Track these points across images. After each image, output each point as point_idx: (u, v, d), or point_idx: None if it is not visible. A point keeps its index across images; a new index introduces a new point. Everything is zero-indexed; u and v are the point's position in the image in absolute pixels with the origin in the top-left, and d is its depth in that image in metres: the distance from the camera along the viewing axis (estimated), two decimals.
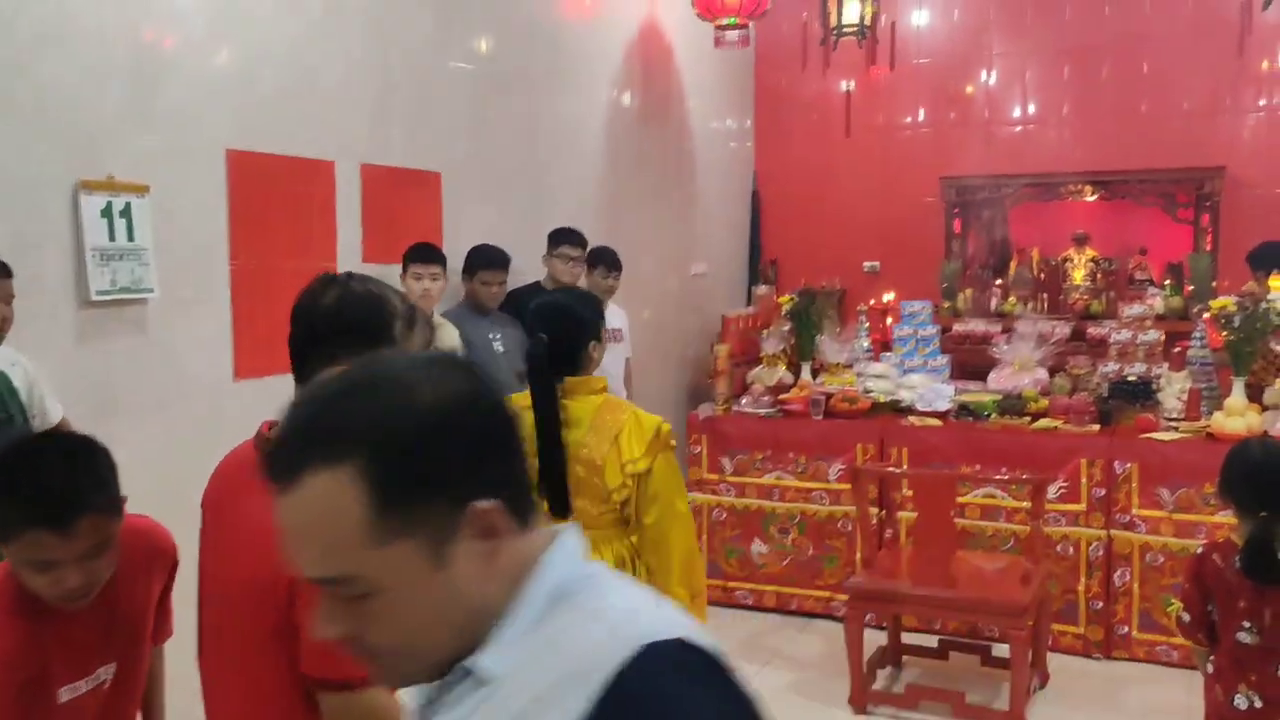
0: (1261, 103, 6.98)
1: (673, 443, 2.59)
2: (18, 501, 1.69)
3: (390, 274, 4.44)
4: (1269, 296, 4.51)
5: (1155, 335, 5.04)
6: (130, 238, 3.37)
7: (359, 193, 4.41)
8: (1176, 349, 4.95)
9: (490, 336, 4.80)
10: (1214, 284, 6.41)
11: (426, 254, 4.44)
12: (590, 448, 2.53)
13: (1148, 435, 4.35)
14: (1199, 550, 2.85)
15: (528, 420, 2.35)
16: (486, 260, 4.82)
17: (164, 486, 3.65)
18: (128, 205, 3.37)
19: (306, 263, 4.17)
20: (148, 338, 3.52)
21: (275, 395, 4.00)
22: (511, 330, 4.94)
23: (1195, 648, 2.81)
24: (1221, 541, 2.80)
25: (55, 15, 3.26)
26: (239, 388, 3.90)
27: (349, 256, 4.36)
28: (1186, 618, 2.78)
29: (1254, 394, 4.39)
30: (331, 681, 1.48)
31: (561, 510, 2.37)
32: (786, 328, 5.32)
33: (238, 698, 1.61)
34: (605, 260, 5.52)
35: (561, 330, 2.57)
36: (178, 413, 3.68)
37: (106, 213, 3.30)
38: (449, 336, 4.53)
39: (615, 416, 2.58)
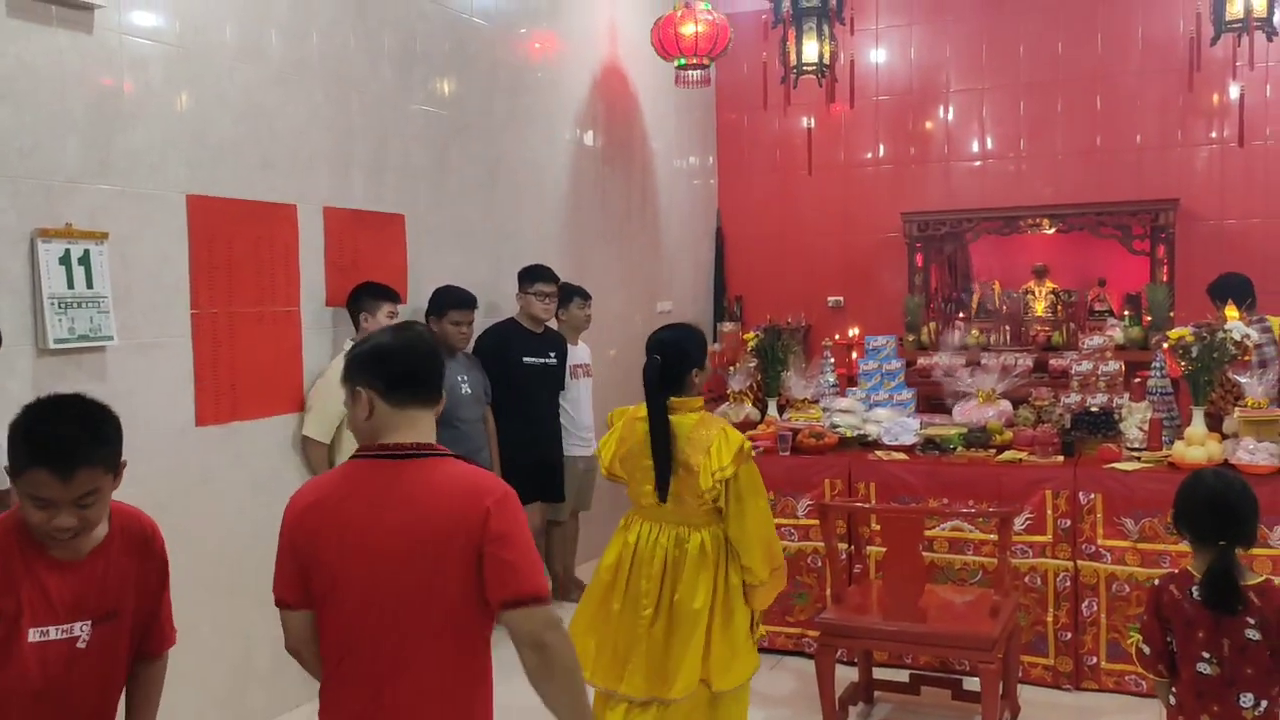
0: (1212, 135, 7.15)
1: (753, 455, 3.15)
2: (30, 444, 1.94)
3: (344, 316, 4.43)
4: (1225, 326, 4.59)
5: (1116, 366, 5.11)
6: (89, 285, 3.34)
7: (322, 236, 4.40)
8: (1137, 379, 5.02)
9: (458, 379, 4.80)
10: (1171, 314, 6.52)
11: (380, 292, 4.40)
12: (688, 455, 3.08)
13: (1111, 465, 4.39)
14: (1156, 582, 2.85)
15: (641, 430, 3.17)
16: (456, 301, 4.84)
17: None
18: (86, 253, 3.35)
19: (270, 307, 4.16)
20: (107, 385, 3.48)
21: (238, 441, 4.00)
22: (477, 374, 4.95)
23: (1156, 680, 2.80)
24: (1178, 572, 2.79)
25: (12, 64, 3.25)
26: (201, 434, 3.85)
27: (312, 300, 4.34)
28: (1147, 650, 2.78)
29: (1213, 423, 4.45)
30: (512, 600, 1.93)
31: (664, 499, 3.10)
32: (752, 364, 5.34)
33: (443, 636, 1.96)
34: (580, 292, 5.59)
35: (672, 358, 3.17)
36: (138, 461, 3.60)
37: (65, 260, 3.28)
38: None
39: (708, 431, 3.10)
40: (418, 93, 4.99)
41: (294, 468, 4.24)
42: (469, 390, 4.84)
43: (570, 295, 5.54)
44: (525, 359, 5.20)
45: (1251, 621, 2.62)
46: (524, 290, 5.27)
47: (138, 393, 3.60)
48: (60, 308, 3.25)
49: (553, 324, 5.48)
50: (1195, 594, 2.67)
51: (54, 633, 2.02)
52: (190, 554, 3.80)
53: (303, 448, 4.27)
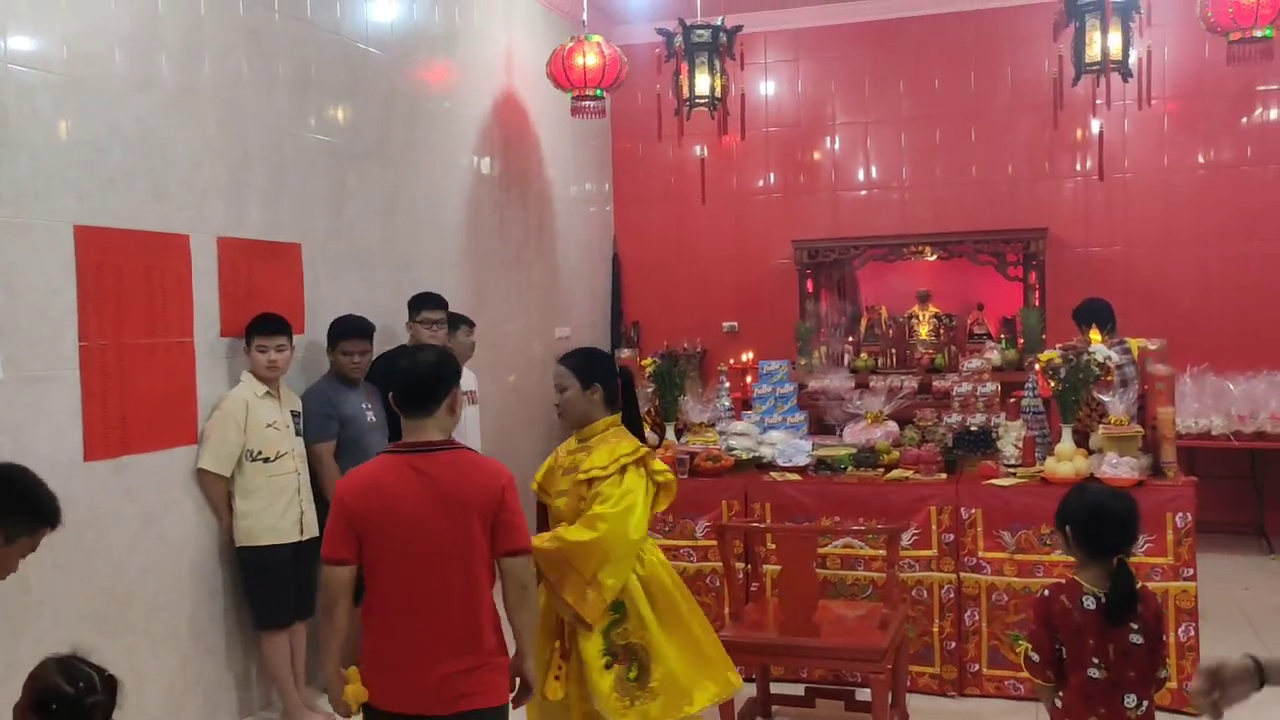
0: (1076, 168, 7.60)
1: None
2: (46, 509, 2.48)
3: (240, 347, 4.38)
4: (1090, 349, 4.88)
5: (993, 387, 5.37)
6: None
7: (216, 265, 4.35)
8: (1012, 399, 5.30)
9: (364, 407, 4.77)
10: (1043, 336, 6.89)
11: (270, 325, 4.36)
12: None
13: (989, 481, 4.63)
14: (1045, 593, 2.94)
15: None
16: (347, 330, 4.78)
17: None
18: None
19: (162, 338, 4.09)
20: None
21: (130, 476, 3.91)
22: (378, 402, 4.91)
23: (1042, 684, 2.92)
24: (1066, 583, 2.91)
25: None
26: (89, 469, 3.76)
27: (206, 330, 4.29)
28: (1036, 657, 2.89)
29: (1081, 439, 4.73)
30: (512, 551, 2.76)
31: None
32: (650, 389, 5.45)
33: (473, 573, 2.71)
34: (465, 320, 5.60)
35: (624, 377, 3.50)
36: None
37: None
38: (292, 400, 4.51)
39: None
40: (314, 121, 4.98)
41: (190, 500, 4.17)
42: (374, 418, 4.80)
43: (456, 323, 5.52)
44: None
45: (1135, 627, 2.78)
46: (412, 318, 5.26)
47: (25, 427, 3.50)
48: None
49: None
50: (1086, 604, 2.80)
51: None
52: (79, 591, 3.70)
53: (199, 480, 4.20)
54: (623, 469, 3.21)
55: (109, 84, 3.87)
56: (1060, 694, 2.87)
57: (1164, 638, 2.90)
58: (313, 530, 4.33)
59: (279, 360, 4.34)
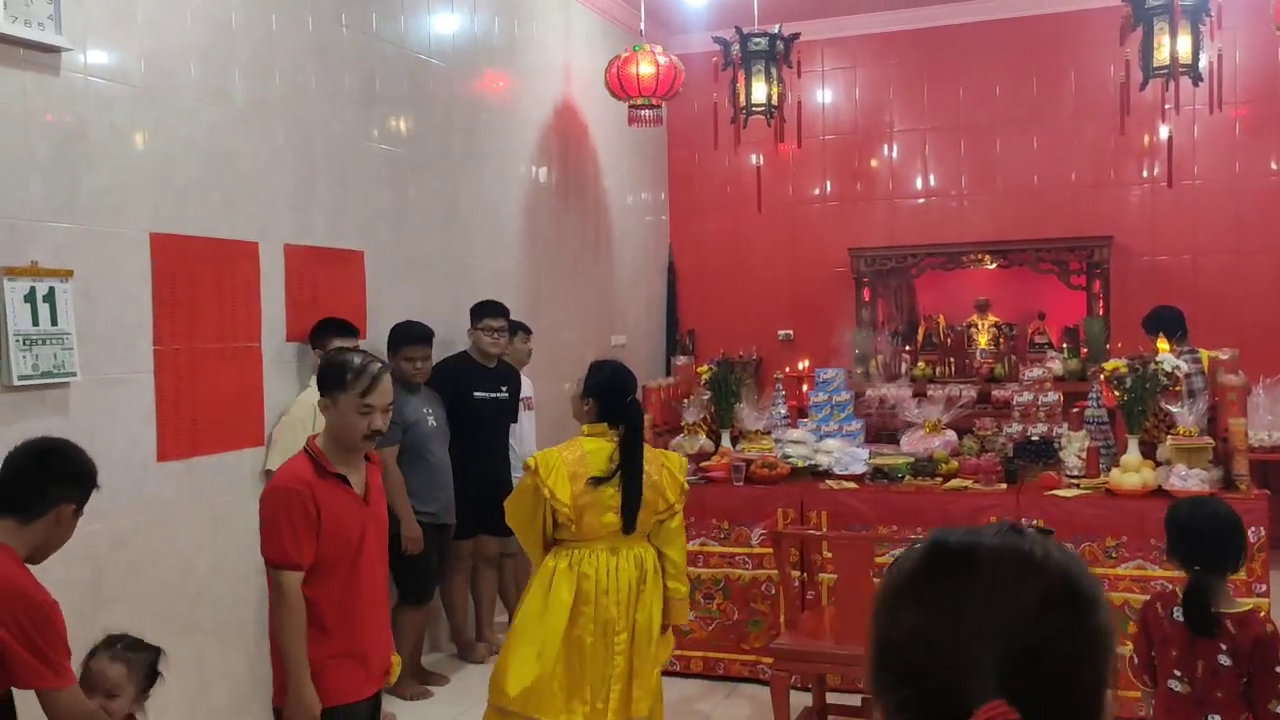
0: (1144, 175, 7.47)
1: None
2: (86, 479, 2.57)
3: (305, 352, 4.48)
4: (1157, 358, 4.80)
5: (1055, 397, 5.30)
6: (54, 322, 3.37)
7: (283, 272, 4.46)
8: (1075, 409, 5.22)
9: (425, 412, 4.87)
10: (1107, 346, 6.77)
11: (344, 328, 4.45)
12: (649, 474, 3.39)
13: (1051, 492, 4.56)
14: (1148, 599, 3.02)
15: (596, 463, 3.32)
16: (409, 336, 4.87)
17: (85, 567, 3.61)
18: (51, 290, 3.38)
19: (231, 343, 4.20)
20: (70, 421, 3.50)
21: (199, 477, 4.02)
22: (438, 408, 5.00)
23: (1142, 689, 2.95)
24: (1167, 592, 2.98)
25: None
26: (162, 469, 3.87)
27: (274, 335, 4.39)
28: (1136, 660, 2.93)
29: (1147, 450, 4.65)
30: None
31: (632, 527, 3.34)
32: (706, 396, 5.46)
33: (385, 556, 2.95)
34: (522, 327, 5.67)
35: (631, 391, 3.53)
36: (99, 495, 3.62)
37: (30, 298, 3.31)
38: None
39: (650, 451, 3.50)
40: (377, 132, 5.08)
41: (255, 502, 4.25)
42: (435, 424, 4.89)
43: (514, 330, 5.61)
44: (476, 393, 5.26)
45: (1224, 648, 2.72)
46: (474, 325, 5.34)
47: (100, 428, 3.61)
48: (25, 344, 3.28)
49: None
50: (1175, 614, 2.80)
51: None
52: (148, 589, 3.81)
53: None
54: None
55: (183, 98, 3.99)
56: (1153, 701, 2.87)
57: (1275, 669, 2.72)
58: None
59: None
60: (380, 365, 2.85)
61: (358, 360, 2.79)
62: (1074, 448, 4.85)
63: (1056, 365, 6.66)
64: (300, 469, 2.72)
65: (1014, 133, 7.71)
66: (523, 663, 3.30)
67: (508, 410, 5.42)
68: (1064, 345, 7.21)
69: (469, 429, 5.15)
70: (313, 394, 4.42)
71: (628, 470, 3.33)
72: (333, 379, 2.75)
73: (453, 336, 5.46)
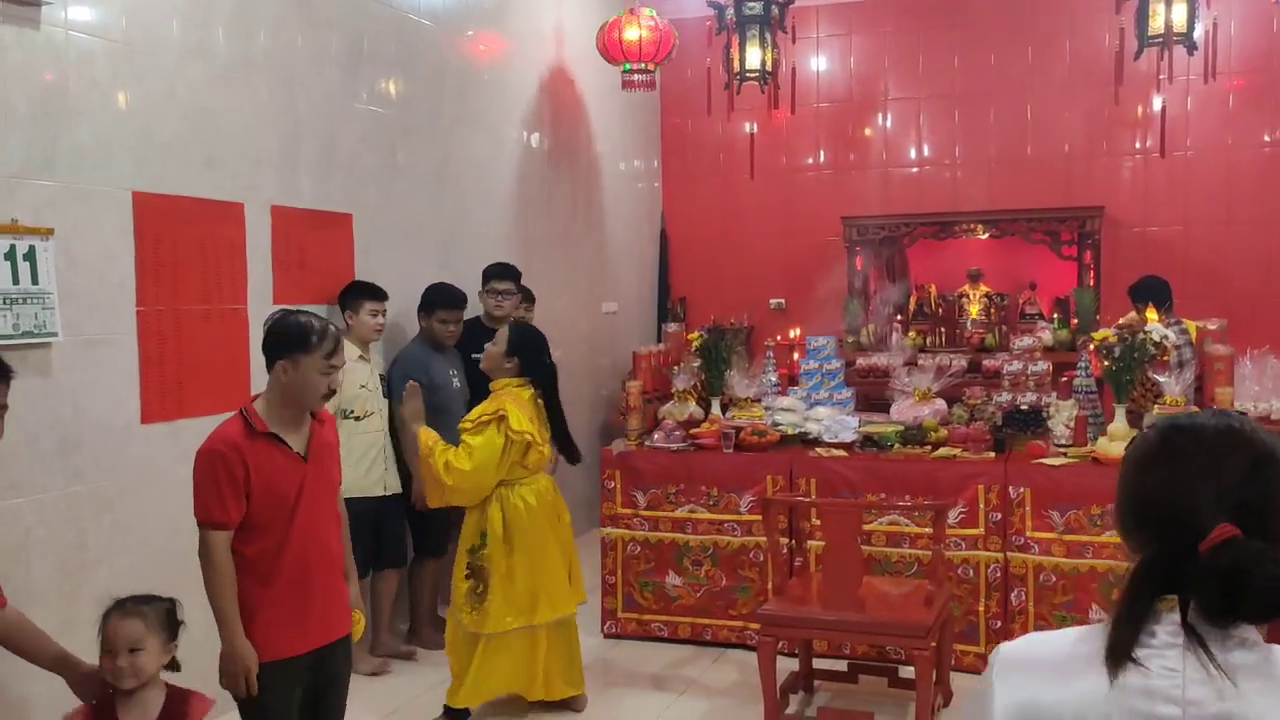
0: (1136, 145, 7.43)
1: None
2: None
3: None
4: (1146, 328, 4.80)
5: (1044, 366, 5.30)
6: (34, 281, 3.33)
7: (269, 234, 4.41)
8: (1064, 378, 5.22)
9: (450, 373, 4.97)
10: (1097, 316, 6.77)
11: (379, 292, 4.69)
12: None
13: (1039, 461, 4.56)
14: None
15: (534, 408, 4.03)
16: (444, 299, 4.96)
17: (69, 529, 3.59)
18: (31, 249, 3.33)
19: (216, 305, 4.16)
20: (51, 381, 3.47)
21: (185, 439, 3.99)
22: (462, 369, 5.10)
23: None
24: None
25: None
26: (146, 431, 3.85)
27: (260, 298, 4.35)
28: None
29: (1134, 420, 4.65)
30: None
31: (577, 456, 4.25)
32: (696, 364, 5.44)
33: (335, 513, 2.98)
34: (529, 296, 5.71)
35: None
36: (82, 456, 3.61)
37: (10, 256, 3.26)
38: (379, 363, 4.87)
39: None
40: (365, 93, 5.01)
41: None
42: (459, 384, 5.01)
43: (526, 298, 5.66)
44: (474, 355, 5.25)
45: None
46: (482, 287, 5.37)
47: (82, 389, 3.58)
48: (5, 303, 3.23)
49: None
50: None
51: None
52: (135, 550, 3.79)
53: None
54: (484, 424, 3.88)
55: (165, 53, 3.93)
56: None
57: None
58: (395, 487, 4.71)
59: (384, 325, 4.70)
60: (335, 327, 2.91)
61: (316, 323, 2.81)
62: (1062, 417, 4.85)
63: (1046, 335, 6.66)
64: (229, 431, 2.74)
65: (1008, 102, 7.66)
66: (538, 583, 4.00)
67: None
68: (1054, 315, 7.21)
69: (473, 392, 5.20)
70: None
71: (555, 414, 4.12)
72: (297, 341, 2.76)
73: None
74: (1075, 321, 6.97)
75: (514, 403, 3.95)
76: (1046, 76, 7.55)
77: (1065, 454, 4.63)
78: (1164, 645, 1.20)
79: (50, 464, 3.50)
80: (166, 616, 2.54)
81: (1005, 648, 1.32)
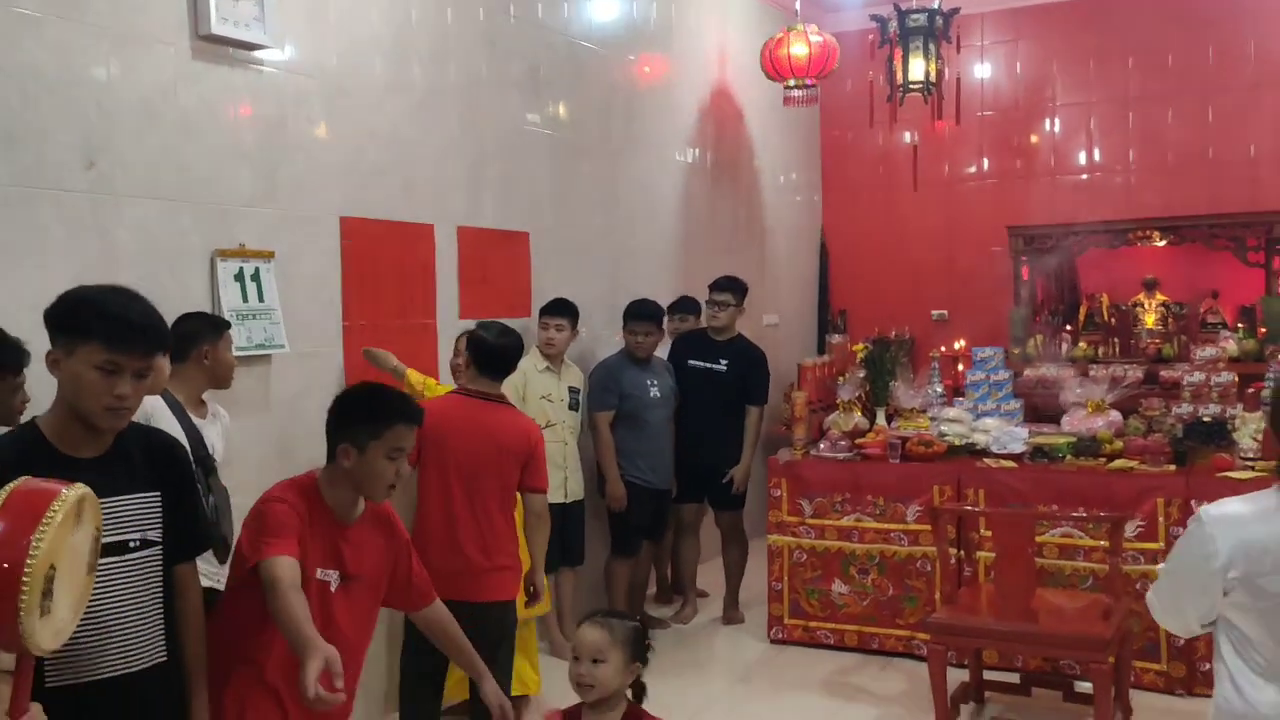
0: None
1: None
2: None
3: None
4: None
5: (1229, 377, 5.10)
6: (260, 299, 3.69)
7: (456, 253, 4.72)
8: (1251, 390, 5.01)
9: (648, 383, 5.20)
10: None
11: (551, 307, 4.94)
12: None
13: (1224, 474, 4.40)
14: None
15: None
16: (636, 313, 5.23)
17: None
18: (257, 270, 3.71)
19: (410, 320, 4.48)
20: (269, 390, 3.83)
21: None
22: (667, 379, 5.31)
23: None
24: None
25: (196, 105, 3.62)
26: None
27: (448, 313, 4.66)
28: None
29: None
30: (535, 488, 3.66)
31: None
32: (861, 374, 5.48)
33: (497, 504, 3.61)
34: (694, 311, 5.88)
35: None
36: (301, 461, 3.95)
37: (239, 277, 3.63)
38: (573, 375, 5.09)
39: None
40: (540, 118, 5.30)
41: None
42: (657, 394, 5.21)
43: (690, 309, 5.82)
44: (690, 361, 5.48)
45: None
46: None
47: (299, 399, 3.94)
48: (239, 319, 3.60)
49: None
50: None
51: (325, 576, 2.43)
52: None
53: None
54: None
55: (369, 89, 4.28)
56: None
57: None
58: (576, 494, 4.98)
59: (557, 340, 4.88)
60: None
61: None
62: (1249, 429, 4.66)
63: (1231, 345, 6.38)
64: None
65: (1187, 104, 7.37)
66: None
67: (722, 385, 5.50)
68: (1239, 325, 6.88)
69: (686, 402, 5.46)
70: (528, 361, 4.71)
71: None
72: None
73: (611, 317, 5.64)
74: (1263, 331, 6.65)
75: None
76: (1230, 76, 7.24)
77: (1253, 467, 4.46)
78: None
79: (270, 467, 3.85)
80: (633, 634, 2.51)
81: (1211, 508, 2.06)
